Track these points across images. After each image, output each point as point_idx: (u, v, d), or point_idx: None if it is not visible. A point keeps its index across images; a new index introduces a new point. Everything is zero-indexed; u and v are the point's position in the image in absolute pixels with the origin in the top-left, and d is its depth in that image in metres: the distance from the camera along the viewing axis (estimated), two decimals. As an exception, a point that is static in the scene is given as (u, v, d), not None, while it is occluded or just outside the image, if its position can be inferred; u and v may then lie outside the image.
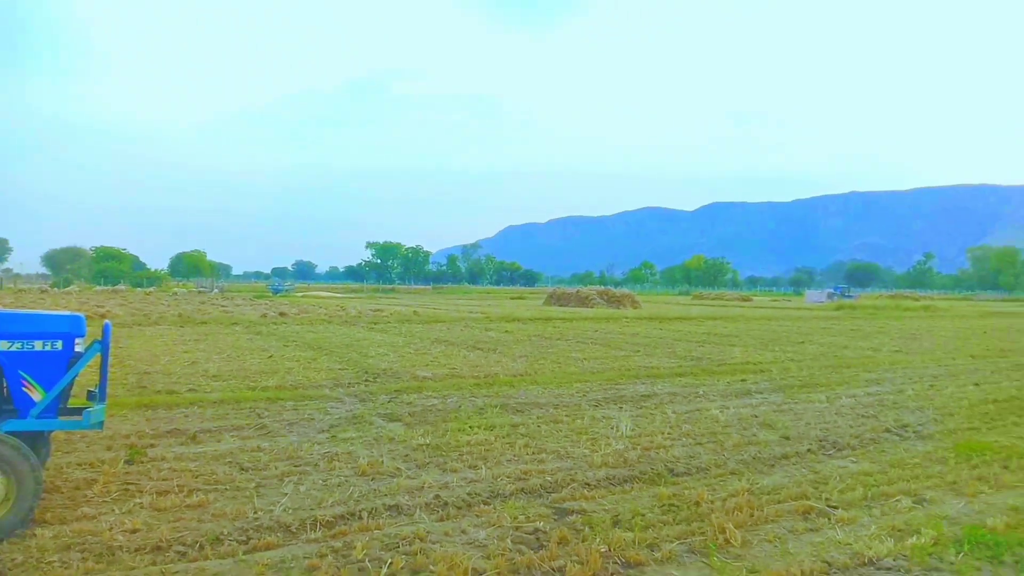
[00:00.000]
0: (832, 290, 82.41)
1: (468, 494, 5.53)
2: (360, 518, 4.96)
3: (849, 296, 71.22)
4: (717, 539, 4.68)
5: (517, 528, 4.85)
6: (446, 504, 5.30)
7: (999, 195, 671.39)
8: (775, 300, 78.66)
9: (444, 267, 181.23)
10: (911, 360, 15.60)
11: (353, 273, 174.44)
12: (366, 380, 11.24)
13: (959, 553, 4.51)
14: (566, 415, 8.75)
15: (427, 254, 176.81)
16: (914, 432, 8.10)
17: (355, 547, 4.43)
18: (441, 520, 5.01)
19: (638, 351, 16.54)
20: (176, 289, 68.64)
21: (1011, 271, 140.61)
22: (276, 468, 6.15)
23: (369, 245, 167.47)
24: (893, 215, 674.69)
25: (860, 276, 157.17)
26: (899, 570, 4.28)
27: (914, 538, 4.71)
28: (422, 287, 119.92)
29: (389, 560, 4.25)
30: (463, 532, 4.79)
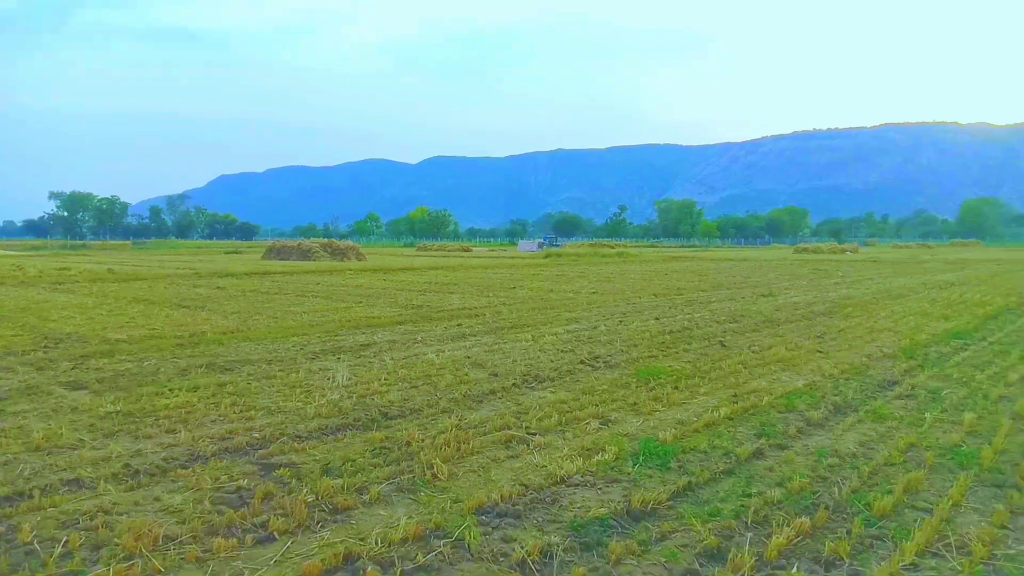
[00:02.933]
0: (542, 240, 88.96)
1: (164, 460, 5.10)
2: (30, 497, 4.37)
3: (556, 245, 77.33)
4: (425, 475, 4.82)
5: (218, 489, 4.58)
6: (137, 472, 4.85)
7: (680, 154, 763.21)
8: (493, 250, 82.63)
9: (146, 220, 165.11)
10: (605, 300, 17.26)
11: (34, 228, 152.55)
12: (45, 346, 9.89)
13: (635, 464, 5.09)
14: (280, 370, 8.43)
15: (125, 205, 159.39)
16: (604, 362, 8.98)
17: (22, 529, 3.89)
18: (130, 490, 4.57)
19: (360, 302, 16.44)
20: None
21: (688, 221, 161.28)
22: (-80, 454, 5.20)
23: (53, 195, 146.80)
24: (593, 171, 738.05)
25: (566, 227, 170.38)
26: (585, 485, 4.73)
27: (600, 455, 5.23)
28: (120, 242, 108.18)
29: (64, 538, 3.80)
30: (156, 500, 4.42)
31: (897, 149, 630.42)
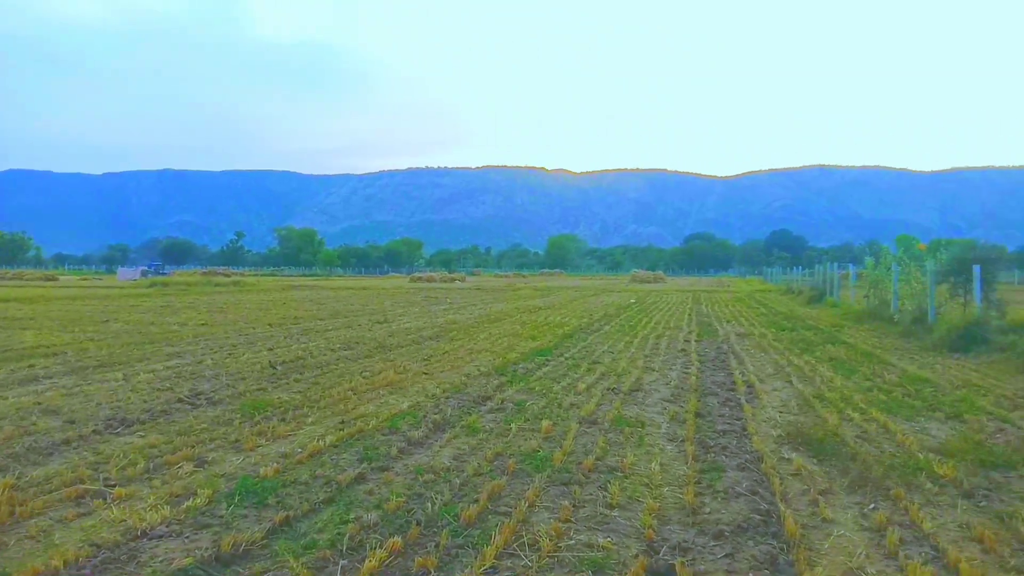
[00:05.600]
0: (146, 267, 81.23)
1: None
2: None
3: (163, 273, 71.29)
4: (-39, 552, 3.95)
5: None
6: None
7: (301, 182, 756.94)
8: (85, 279, 73.06)
9: None
10: (215, 332, 16.25)
11: None
12: None
13: (230, 505, 4.77)
14: None
15: None
16: (206, 399, 8.38)
17: None
18: None
19: None
20: None
21: (310, 249, 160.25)
22: None
23: None
24: (207, 194, 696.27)
25: (176, 253, 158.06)
26: (171, 535, 4.29)
27: (191, 500, 4.81)
28: None
29: None
30: None
31: (497, 189, 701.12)
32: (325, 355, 12.32)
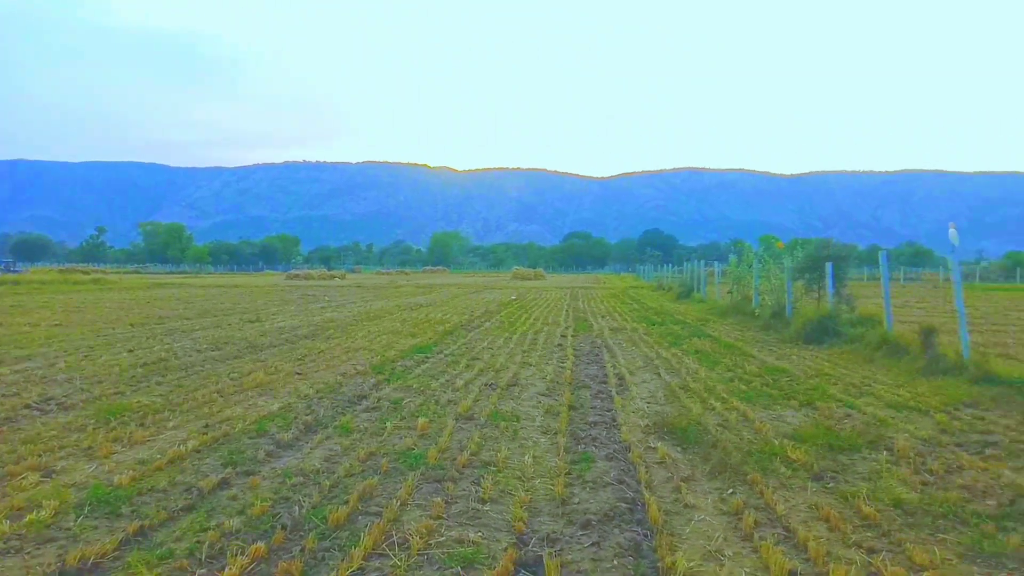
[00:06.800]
0: (-6, 264, 75.31)
1: None
2: None
3: (14, 270, 66.25)
4: None
5: None
6: None
7: (168, 175, 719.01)
8: (-79, 277, 66.70)
9: None
10: (70, 332, 15.20)
11: None
12: None
13: (79, 517, 4.47)
14: None
15: None
16: (58, 404, 7.81)
17: None
18: None
19: None
20: None
21: (178, 245, 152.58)
22: None
23: None
24: (65, 187, 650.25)
25: (29, 250, 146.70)
26: (9, 552, 3.96)
27: (34, 513, 4.46)
28: None
29: None
30: None
31: (379, 184, 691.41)
32: (191, 356, 11.75)
